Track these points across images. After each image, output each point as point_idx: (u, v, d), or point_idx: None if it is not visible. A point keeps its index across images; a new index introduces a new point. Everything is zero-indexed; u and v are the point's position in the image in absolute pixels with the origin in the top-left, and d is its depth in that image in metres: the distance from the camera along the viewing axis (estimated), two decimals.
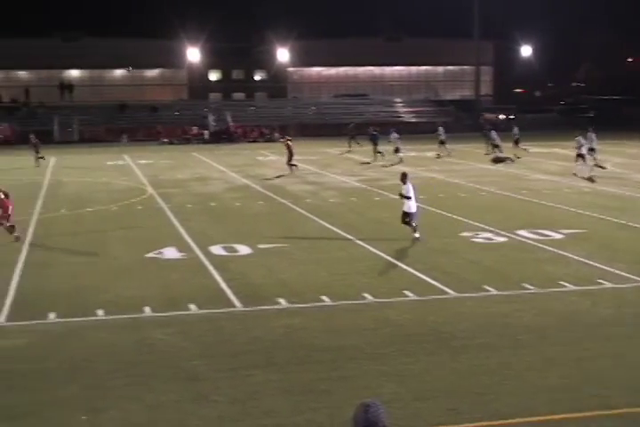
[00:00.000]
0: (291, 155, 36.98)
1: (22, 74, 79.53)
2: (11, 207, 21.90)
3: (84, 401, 10.77)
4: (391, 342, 13.01)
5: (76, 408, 10.56)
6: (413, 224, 20.57)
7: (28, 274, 17.87)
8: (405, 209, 20.56)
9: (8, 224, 21.74)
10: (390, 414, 5.38)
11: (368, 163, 41.79)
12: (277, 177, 35.91)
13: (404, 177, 20.74)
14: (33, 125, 62.46)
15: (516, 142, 44.25)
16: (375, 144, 43.20)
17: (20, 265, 18.72)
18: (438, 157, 44.34)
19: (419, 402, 10.64)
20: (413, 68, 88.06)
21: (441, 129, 45.51)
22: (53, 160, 46.29)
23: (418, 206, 20.97)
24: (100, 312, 14.77)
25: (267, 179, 35.39)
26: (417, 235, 20.57)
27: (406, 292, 15.82)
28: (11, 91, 72.73)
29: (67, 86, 74.39)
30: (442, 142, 44.95)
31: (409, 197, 20.43)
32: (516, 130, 45.00)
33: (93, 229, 23.63)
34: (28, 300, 15.70)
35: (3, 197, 21.94)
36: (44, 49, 73.85)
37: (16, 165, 44.53)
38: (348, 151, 48.35)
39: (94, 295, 15.99)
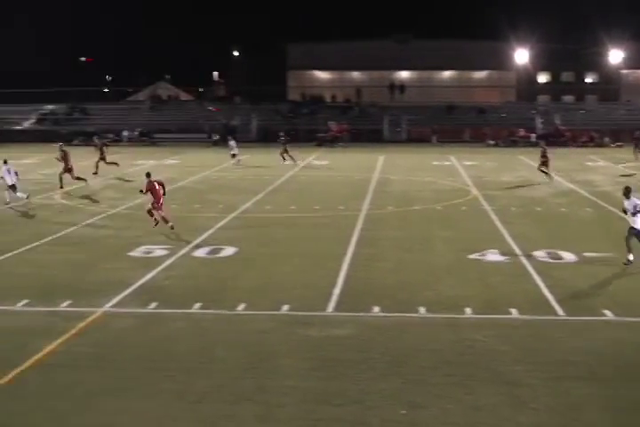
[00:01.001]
0: (545, 160, 35.23)
1: (355, 75, 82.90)
2: (162, 198, 23.07)
3: (405, 395, 11.01)
4: None
5: (397, 401, 10.82)
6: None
7: (356, 267, 18.62)
8: (636, 226, 18.31)
9: (162, 214, 23.00)
10: None
11: None
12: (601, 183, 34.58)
13: (626, 191, 18.94)
14: (364, 124, 65.09)
15: None
16: None
17: (348, 258, 19.57)
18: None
19: None
20: None
21: None
22: (382, 159, 47.79)
23: None
24: (422, 309, 15.04)
25: (595, 185, 34.17)
26: (631, 257, 18.55)
27: None
28: (344, 91, 76.04)
29: (397, 87, 76.47)
30: None
31: (628, 213, 18.48)
32: None
33: (418, 227, 24.12)
34: (355, 292, 16.35)
35: (158, 187, 23.10)
36: (376, 51, 76.53)
37: (349, 162, 46.57)
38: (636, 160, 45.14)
39: (417, 292, 16.34)
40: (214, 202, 29.34)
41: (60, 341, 13.29)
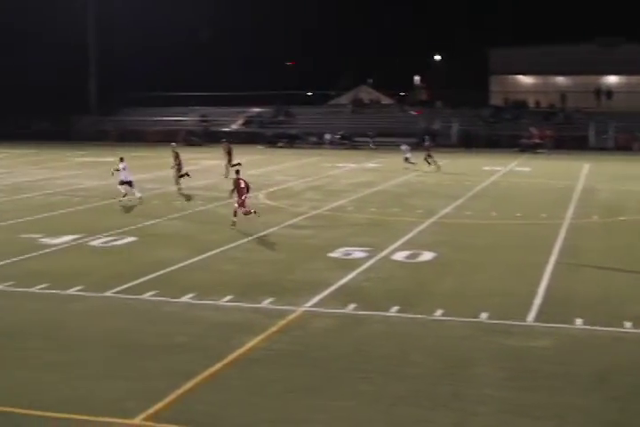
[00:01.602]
0: None
1: (559, 79, 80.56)
2: (245, 196, 24.23)
3: (607, 414, 10.52)
4: None
5: (598, 419, 10.35)
6: None
7: (558, 276, 18.09)
8: None
9: (244, 210, 24.18)
10: None
11: None
12: None
13: None
14: (567, 131, 63.21)
15: None
16: None
17: (550, 267, 19.05)
18: None
19: None
20: None
21: None
22: (587, 166, 46.24)
23: None
24: (628, 324, 14.38)
25: None
26: None
27: None
28: (548, 96, 74.12)
29: (604, 92, 73.73)
30: None
31: None
32: None
33: (625, 238, 23.15)
34: (556, 302, 15.87)
35: (243, 185, 24.14)
36: (581, 55, 74.07)
37: (552, 169, 45.39)
38: None
39: (623, 306, 15.67)
40: (413, 206, 29.35)
41: (261, 337, 13.68)
